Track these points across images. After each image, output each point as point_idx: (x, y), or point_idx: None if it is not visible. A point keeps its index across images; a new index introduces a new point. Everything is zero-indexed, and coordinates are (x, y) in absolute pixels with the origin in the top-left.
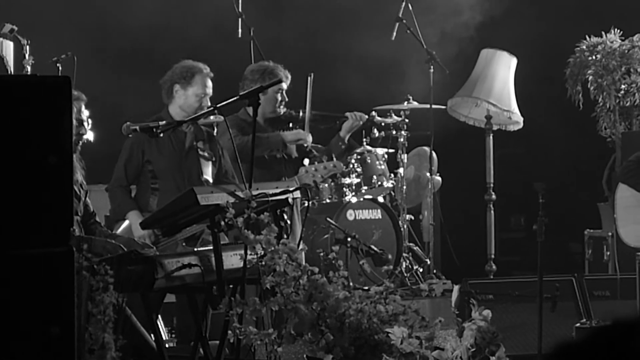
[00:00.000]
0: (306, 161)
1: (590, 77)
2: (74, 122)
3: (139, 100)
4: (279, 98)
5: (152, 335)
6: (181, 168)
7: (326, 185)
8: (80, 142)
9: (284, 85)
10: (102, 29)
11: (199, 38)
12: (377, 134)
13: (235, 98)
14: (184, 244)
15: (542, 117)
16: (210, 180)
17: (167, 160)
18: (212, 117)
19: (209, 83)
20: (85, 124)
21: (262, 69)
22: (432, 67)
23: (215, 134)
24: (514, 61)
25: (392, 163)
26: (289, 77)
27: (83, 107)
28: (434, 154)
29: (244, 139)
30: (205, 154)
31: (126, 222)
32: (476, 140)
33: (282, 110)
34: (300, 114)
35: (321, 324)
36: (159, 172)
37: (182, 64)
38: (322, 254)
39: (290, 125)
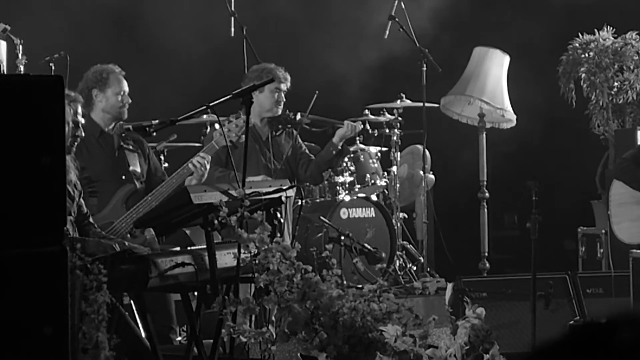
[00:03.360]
0: (217, 125)
1: (583, 75)
2: (71, 123)
3: (132, 99)
4: (276, 98)
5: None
6: (115, 168)
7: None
8: (76, 143)
9: (283, 87)
10: (95, 29)
11: (193, 37)
12: (370, 132)
13: (228, 97)
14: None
15: (535, 115)
16: (138, 170)
17: (100, 164)
18: (205, 117)
19: (124, 81)
20: (82, 125)
21: (261, 68)
22: (424, 65)
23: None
24: (506, 59)
25: (386, 161)
26: (289, 78)
27: (80, 109)
28: (427, 152)
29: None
30: (130, 147)
31: None
32: (469, 138)
33: (280, 110)
34: (298, 116)
35: (315, 322)
36: (95, 177)
37: (92, 69)
38: (315, 252)
39: (289, 126)
